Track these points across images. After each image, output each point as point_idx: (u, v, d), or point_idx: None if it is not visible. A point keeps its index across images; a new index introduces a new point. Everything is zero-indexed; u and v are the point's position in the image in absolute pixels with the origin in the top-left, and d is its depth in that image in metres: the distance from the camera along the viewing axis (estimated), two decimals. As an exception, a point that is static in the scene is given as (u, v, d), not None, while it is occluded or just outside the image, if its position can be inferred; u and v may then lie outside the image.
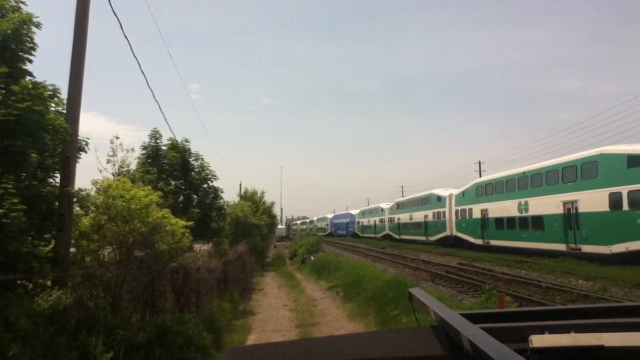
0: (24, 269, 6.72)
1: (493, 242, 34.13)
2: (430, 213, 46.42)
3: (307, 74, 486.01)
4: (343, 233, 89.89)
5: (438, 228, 44.52)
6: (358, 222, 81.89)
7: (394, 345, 1.58)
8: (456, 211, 40.71)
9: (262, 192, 48.78)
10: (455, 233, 40.83)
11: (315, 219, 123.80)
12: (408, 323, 11.66)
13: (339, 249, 48.22)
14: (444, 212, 43.38)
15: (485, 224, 35.39)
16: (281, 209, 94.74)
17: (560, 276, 19.79)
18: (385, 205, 67.24)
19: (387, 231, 63.67)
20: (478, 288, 17.47)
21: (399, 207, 59.20)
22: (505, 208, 32.42)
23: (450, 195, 42.57)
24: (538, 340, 1.38)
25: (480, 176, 55.98)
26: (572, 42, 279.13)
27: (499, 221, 33.38)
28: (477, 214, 36.71)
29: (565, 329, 1.46)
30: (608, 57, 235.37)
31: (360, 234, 78.86)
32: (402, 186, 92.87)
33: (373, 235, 70.06)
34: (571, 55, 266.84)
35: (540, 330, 1.45)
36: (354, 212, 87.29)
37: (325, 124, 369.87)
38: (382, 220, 66.84)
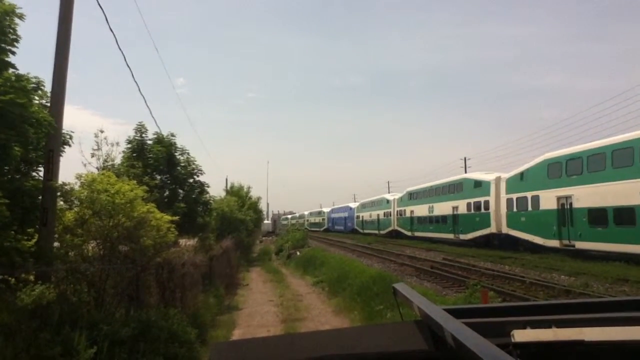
0: (6, 264, 6.66)
1: (583, 245, 23.48)
2: (462, 204, 36.26)
3: (293, 68, 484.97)
4: (341, 229, 79.85)
5: (476, 223, 33.97)
6: (357, 217, 71.39)
7: (378, 340, 1.59)
8: (508, 200, 30.33)
9: (249, 187, 48.74)
10: (506, 230, 30.39)
11: (306, 213, 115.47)
12: (393, 318, 11.72)
13: (325, 244, 48.18)
14: (486, 202, 32.92)
15: (566, 218, 24.59)
16: (267, 204, 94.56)
17: (543, 272, 20.01)
18: (391, 196, 57.39)
19: (394, 227, 53.71)
20: (462, 283, 17.61)
21: (413, 197, 48.24)
22: (610, 194, 21.58)
23: (498, 180, 31.93)
24: (520, 335, 1.40)
25: (465, 172, 54.57)
26: (556, 38, 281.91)
27: (597, 214, 22.49)
28: (548, 204, 26.01)
29: (547, 324, 1.48)
30: (592, 54, 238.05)
31: (361, 230, 68.17)
32: (388, 182, 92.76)
33: (376, 232, 59.88)
34: (555, 52, 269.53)
35: (522, 325, 1.47)
36: (353, 205, 77.55)
37: (311, 119, 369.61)
38: (387, 214, 56.53)
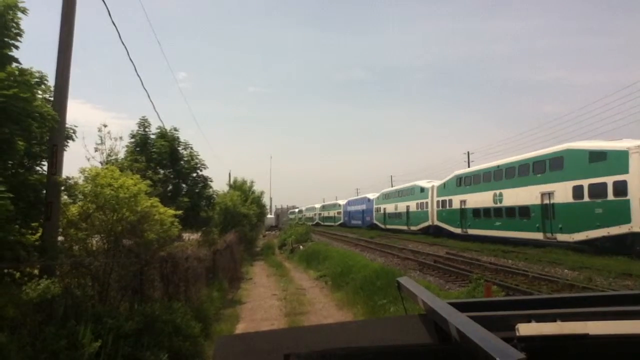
0: (11, 258, 6.68)
1: None
2: (561, 188, 24.93)
3: (294, 62, 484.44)
4: (358, 223, 70.42)
5: (595, 217, 22.61)
6: (377, 209, 60.76)
7: (382, 334, 1.59)
8: None
9: (252, 182, 48.83)
10: None
11: (317, 206, 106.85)
12: (396, 312, 11.76)
13: (329, 238, 48.16)
14: (618, 185, 21.39)
15: None
16: (270, 198, 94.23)
17: (546, 266, 20.00)
18: (427, 183, 45.41)
19: (433, 222, 42.00)
20: (465, 277, 17.63)
21: (463, 183, 36.73)
22: None
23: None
24: (524, 329, 1.40)
25: (469, 167, 50.20)
26: (558, 32, 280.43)
27: None
28: None
29: (551, 318, 1.48)
30: (593, 48, 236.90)
31: (382, 225, 57.93)
32: (391, 176, 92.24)
33: (404, 228, 49.34)
34: (557, 46, 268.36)
35: (527, 319, 1.47)
36: (372, 195, 66.74)
37: (313, 113, 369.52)
38: (421, 206, 44.86)
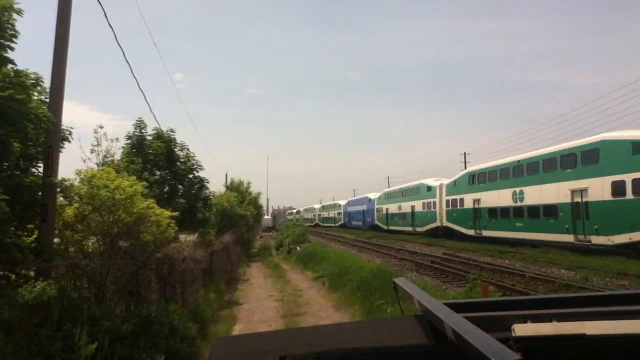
0: (6, 260, 6.66)
1: None
2: (597, 185, 22.11)
3: (291, 63, 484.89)
4: (359, 224, 67.82)
5: (636, 218, 19.91)
6: (379, 210, 58.31)
7: (379, 335, 1.59)
8: None
9: (248, 183, 48.69)
10: None
11: (317, 207, 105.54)
12: (393, 313, 11.75)
13: (326, 239, 48.14)
14: None
15: None
16: (267, 199, 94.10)
17: (543, 266, 20.06)
18: (434, 182, 42.57)
19: (441, 222, 39.47)
20: (462, 278, 17.66)
21: (476, 181, 33.96)
22: None
23: None
24: (521, 329, 1.40)
25: (465, 168, 50.08)
26: (558, 33, 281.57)
27: None
28: None
29: (548, 318, 1.48)
30: (593, 48, 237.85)
31: (384, 226, 55.48)
32: (388, 177, 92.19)
33: (409, 229, 46.71)
34: (556, 47, 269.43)
35: (523, 319, 1.47)
36: (373, 195, 63.88)
37: (312, 114, 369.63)
38: (428, 205, 42.13)
